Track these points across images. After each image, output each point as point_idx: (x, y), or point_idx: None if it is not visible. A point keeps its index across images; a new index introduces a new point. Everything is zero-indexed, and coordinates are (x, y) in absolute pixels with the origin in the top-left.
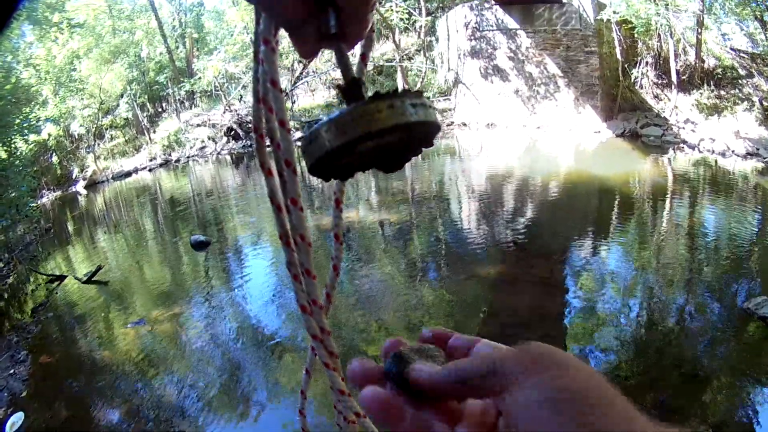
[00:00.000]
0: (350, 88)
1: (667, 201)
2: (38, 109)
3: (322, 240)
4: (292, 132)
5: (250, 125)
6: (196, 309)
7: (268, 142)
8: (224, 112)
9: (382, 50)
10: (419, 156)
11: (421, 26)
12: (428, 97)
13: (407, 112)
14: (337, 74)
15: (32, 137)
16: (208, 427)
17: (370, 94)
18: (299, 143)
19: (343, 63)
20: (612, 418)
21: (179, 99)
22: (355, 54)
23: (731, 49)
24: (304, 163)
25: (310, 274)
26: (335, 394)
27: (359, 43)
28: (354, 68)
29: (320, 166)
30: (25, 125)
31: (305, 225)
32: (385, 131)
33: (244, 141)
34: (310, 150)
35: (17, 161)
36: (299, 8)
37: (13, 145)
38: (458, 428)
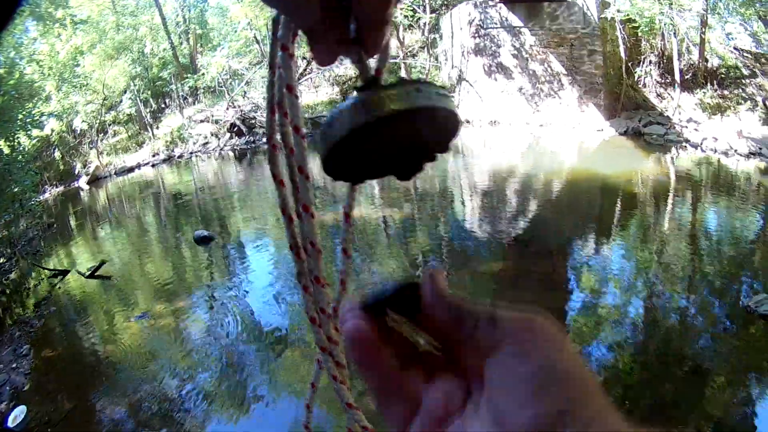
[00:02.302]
0: (370, 86)
1: (670, 200)
2: (41, 104)
3: (326, 237)
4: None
5: (253, 121)
6: (199, 303)
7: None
8: (227, 109)
9: None
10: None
11: (425, 23)
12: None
13: (433, 98)
14: (339, 71)
15: (35, 132)
16: (210, 422)
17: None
18: (315, 136)
19: (361, 64)
20: (590, 411)
21: (182, 95)
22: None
23: (735, 48)
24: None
25: (320, 282)
26: (343, 407)
27: (375, 56)
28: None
29: (338, 152)
30: (28, 120)
31: (316, 232)
32: (412, 111)
33: (247, 137)
34: (330, 133)
35: (20, 156)
36: (322, 14)
37: (16, 140)
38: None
